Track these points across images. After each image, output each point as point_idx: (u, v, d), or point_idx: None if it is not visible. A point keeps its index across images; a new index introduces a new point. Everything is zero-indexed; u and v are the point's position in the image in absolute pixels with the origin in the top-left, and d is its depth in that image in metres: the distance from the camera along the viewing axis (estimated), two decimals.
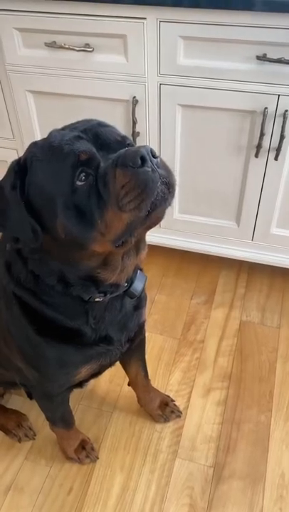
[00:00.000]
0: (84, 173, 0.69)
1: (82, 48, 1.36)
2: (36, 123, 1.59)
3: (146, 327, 1.60)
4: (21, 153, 1.80)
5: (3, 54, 1.46)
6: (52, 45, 1.38)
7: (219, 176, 1.53)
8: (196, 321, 1.66)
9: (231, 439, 1.34)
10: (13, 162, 0.77)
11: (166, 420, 1.35)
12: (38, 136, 1.62)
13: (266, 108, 1.32)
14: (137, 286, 0.90)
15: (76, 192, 0.69)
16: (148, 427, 1.36)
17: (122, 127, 1.50)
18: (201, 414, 1.39)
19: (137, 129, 1.47)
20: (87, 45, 1.36)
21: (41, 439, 1.35)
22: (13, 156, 1.71)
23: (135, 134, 1.48)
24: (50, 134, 0.76)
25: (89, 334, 0.90)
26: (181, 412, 1.38)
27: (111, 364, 1.07)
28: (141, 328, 1.12)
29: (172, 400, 1.39)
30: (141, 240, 0.81)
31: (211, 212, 1.62)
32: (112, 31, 1.32)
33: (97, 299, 0.85)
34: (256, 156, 1.41)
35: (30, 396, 1.33)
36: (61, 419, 1.19)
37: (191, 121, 1.43)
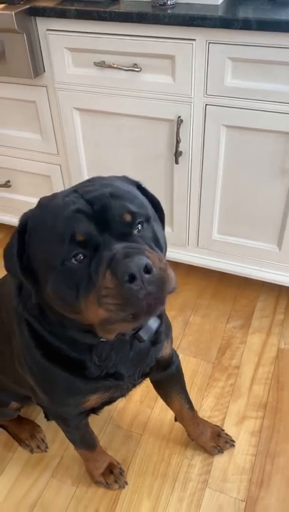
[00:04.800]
0: (80, 255, 0.67)
1: (131, 68, 1.38)
2: (81, 140, 1.61)
3: (179, 349, 1.58)
4: (65, 169, 1.83)
5: (53, 72, 1.49)
6: (101, 65, 1.41)
7: (262, 197, 1.50)
8: (231, 345, 1.61)
9: (265, 473, 1.27)
10: (20, 221, 0.76)
11: (221, 451, 1.30)
12: (82, 153, 1.64)
13: None
14: (150, 327, 0.86)
15: (68, 268, 0.67)
16: (178, 452, 1.32)
17: (165, 146, 1.50)
18: (234, 444, 1.33)
19: (180, 148, 1.47)
20: (135, 65, 1.38)
21: (69, 458, 1.33)
22: (56, 171, 1.74)
23: (178, 154, 1.47)
24: (55, 196, 0.74)
25: (92, 370, 0.88)
26: (234, 441, 1.32)
27: (123, 395, 1.03)
28: (169, 362, 1.09)
29: (222, 430, 1.33)
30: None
31: (252, 234, 1.59)
32: (160, 52, 1.33)
33: (102, 339, 0.82)
34: None
35: (47, 417, 1.30)
36: (81, 441, 1.16)
37: (236, 142, 1.42)
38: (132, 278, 0.63)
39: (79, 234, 0.66)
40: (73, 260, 0.67)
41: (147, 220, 0.73)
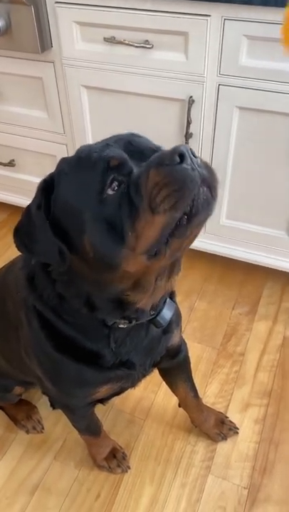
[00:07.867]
0: (116, 181, 0.63)
1: (142, 45, 1.33)
2: (88, 119, 1.57)
3: (184, 334, 1.56)
4: (71, 149, 1.78)
5: (61, 47, 1.44)
6: (111, 41, 1.36)
7: (273, 183, 1.46)
8: (236, 332, 1.59)
9: (268, 461, 1.27)
10: (41, 181, 0.72)
11: (224, 438, 1.29)
12: (89, 133, 1.60)
13: None
14: (165, 315, 0.85)
15: (106, 202, 0.63)
16: (181, 438, 1.32)
17: (175, 127, 1.46)
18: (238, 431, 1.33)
19: (191, 130, 1.42)
20: (146, 41, 1.33)
21: (72, 441, 1.32)
22: (62, 151, 1.70)
23: (188, 135, 1.43)
24: (79, 148, 0.72)
25: (108, 358, 0.86)
26: (238, 429, 1.31)
27: (134, 386, 1.02)
28: (177, 351, 1.08)
29: (226, 417, 1.33)
30: (176, 261, 0.73)
31: (261, 220, 1.56)
32: (173, 28, 1.27)
33: (120, 326, 0.81)
34: None
35: (52, 405, 1.30)
36: (86, 429, 1.16)
37: (249, 124, 1.37)
38: (182, 157, 0.60)
39: (114, 159, 0.64)
40: (110, 191, 0.63)
41: None
